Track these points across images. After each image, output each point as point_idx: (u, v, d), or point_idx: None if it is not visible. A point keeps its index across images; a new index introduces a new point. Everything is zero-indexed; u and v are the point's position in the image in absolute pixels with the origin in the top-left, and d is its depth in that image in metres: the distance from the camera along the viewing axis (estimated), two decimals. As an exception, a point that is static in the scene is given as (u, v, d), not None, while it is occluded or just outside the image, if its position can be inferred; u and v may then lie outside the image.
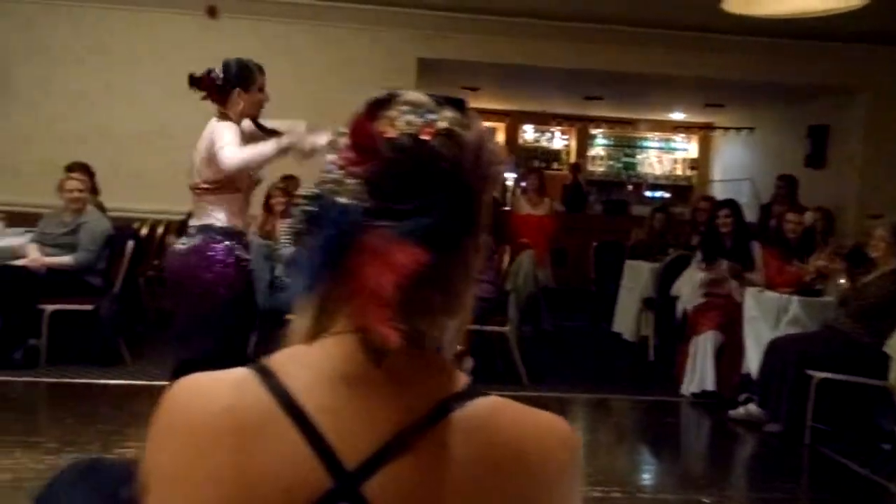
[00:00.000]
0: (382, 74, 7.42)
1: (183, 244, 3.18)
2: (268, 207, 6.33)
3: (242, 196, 3.21)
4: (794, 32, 7.15)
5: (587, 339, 7.53)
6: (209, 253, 3.08)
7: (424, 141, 0.78)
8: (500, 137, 11.30)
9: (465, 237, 0.81)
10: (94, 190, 5.83)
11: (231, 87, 3.12)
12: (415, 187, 0.77)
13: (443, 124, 0.79)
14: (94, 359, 5.24)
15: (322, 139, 3.11)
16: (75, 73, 7.13)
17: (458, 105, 0.82)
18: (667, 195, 11.57)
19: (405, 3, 7.30)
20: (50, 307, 5.14)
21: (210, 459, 0.74)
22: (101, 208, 5.82)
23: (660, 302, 6.41)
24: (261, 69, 3.23)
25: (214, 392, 0.77)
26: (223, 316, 3.07)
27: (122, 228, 5.72)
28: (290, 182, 6.39)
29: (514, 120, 11.60)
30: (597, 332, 7.55)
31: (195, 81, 3.14)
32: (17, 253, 5.42)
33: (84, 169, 5.72)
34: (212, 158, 3.08)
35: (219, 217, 3.13)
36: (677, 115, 11.38)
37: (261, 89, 3.21)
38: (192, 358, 3.10)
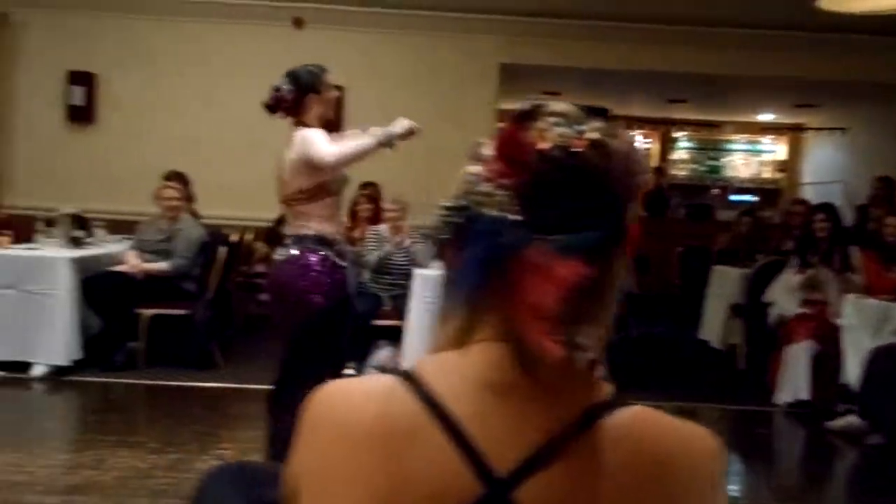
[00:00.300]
0: (464, 81, 7.47)
1: (280, 255, 3.24)
2: (353, 214, 6.43)
3: (333, 201, 3.21)
4: (891, 29, 6.87)
5: (673, 346, 7.38)
6: (304, 262, 3.11)
7: (577, 153, 0.78)
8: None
9: (615, 247, 0.81)
10: (189, 198, 6.03)
11: (304, 94, 3.15)
12: (567, 200, 0.77)
13: (593, 135, 0.80)
14: (189, 362, 5.41)
15: (410, 123, 3.14)
16: (172, 84, 7.40)
17: (603, 114, 0.84)
18: (754, 199, 11.24)
19: (487, 10, 7.33)
20: (148, 312, 5.35)
21: (361, 464, 0.75)
22: (196, 216, 6.01)
23: (750, 308, 6.23)
24: (326, 69, 3.23)
25: (364, 398, 0.79)
26: (320, 323, 3.12)
27: (215, 235, 5.89)
28: (373, 189, 6.48)
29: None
30: (683, 340, 7.38)
31: (272, 108, 3.17)
32: (117, 259, 5.67)
33: (180, 178, 5.93)
34: (302, 167, 3.09)
35: (312, 225, 3.14)
36: (765, 117, 11.06)
37: (333, 90, 3.24)
38: (293, 365, 3.18)
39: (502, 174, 0.79)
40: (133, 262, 5.41)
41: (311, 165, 3.09)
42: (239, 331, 6.51)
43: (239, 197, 7.29)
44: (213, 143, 7.39)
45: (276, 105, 3.17)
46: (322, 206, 3.14)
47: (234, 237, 6.39)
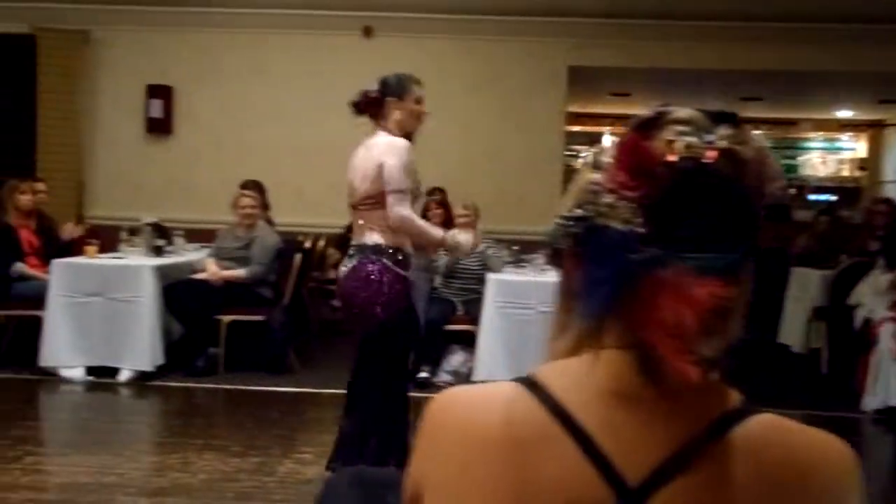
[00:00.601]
0: (533, 85, 7.44)
1: (343, 266, 3.27)
2: (425, 220, 6.46)
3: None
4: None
5: (751, 350, 7.18)
6: (362, 274, 3.12)
7: (707, 164, 0.75)
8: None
9: (750, 263, 0.78)
10: (265, 206, 6.15)
11: (385, 97, 3.19)
12: (700, 215, 0.75)
13: (723, 143, 0.76)
14: (266, 367, 5.52)
15: (466, 239, 3.20)
16: (246, 95, 7.55)
17: (732, 120, 0.79)
18: (832, 198, 10.90)
19: (555, 13, 7.28)
20: (227, 318, 5.47)
21: (488, 471, 0.75)
22: (271, 223, 6.13)
23: (833, 311, 6.03)
24: (418, 82, 3.27)
25: (487, 405, 0.79)
26: (383, 334, 3.13)
27: (289, 242, 6.00)
28: (442, 194, 6.50)
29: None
30: (761, 344, 7.19)
31: (356, 107, 3.23)
32: (196, 267, 5.82)
33: (256, 186, 6.05)
34: (376, 173, 3.10)
35: (373, 236, 3.15)
36: (844, 113, 10.71)
37: (418, 102, 3.24)
38: (359, 375, 3.22)
39: (626, 186, 0.76)
40: (212, 270, 5.55)
41: (373, 172, 3.11)
42: (313, 336, 6.61)
43: (311, 204, 7.41)
44: (286, 152, 7.53)
45: (359, 104, 3.23)
46: (385, 215, 3.12)
47: (307, 244, 6.49)
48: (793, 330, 6.65)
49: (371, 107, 3.23)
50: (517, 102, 7.46)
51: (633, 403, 0.76)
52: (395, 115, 3.19)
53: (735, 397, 0.79)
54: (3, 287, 5.44)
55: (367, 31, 7.48)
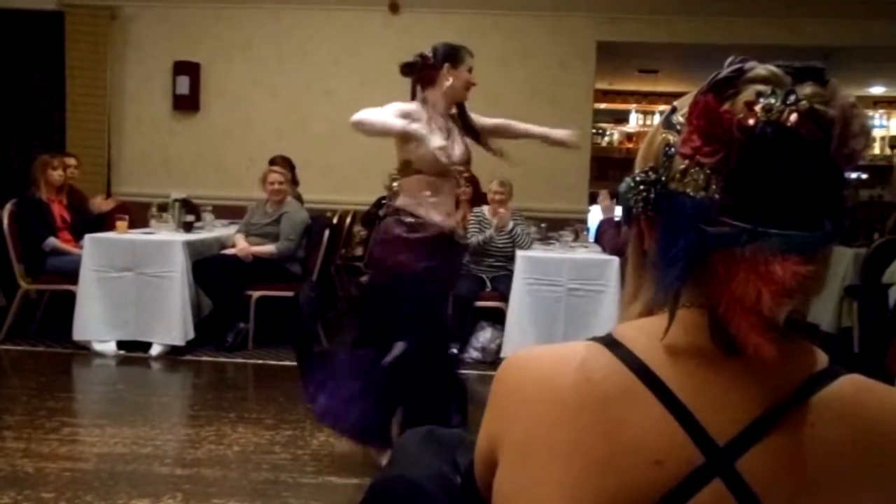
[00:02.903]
0: (562, 60, 7.37)
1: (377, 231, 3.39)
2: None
3: (422, 179, 3.22)
4: None
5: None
6: (384, 231, 3.27)
7: (789, 128, 0.70)
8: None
9: (836, 238, 0.74)
10: (294, 182, 6.15)
11: (439, 63, 3.22)
12: (779, 183, 0.71)
13: (805, 105, 0.71)
14: (294, 342, 5.53)
15: (439, 142, 3.17)
16: (272, 71, 7.56)
17: (818, 76, 0.74)
18: (864, 176, 10.74)
19: (584, -13, 7.19)
20: (256, 293, 5.50)
21: (572, 429, 0.74)
22: (300, 199, 6.14)
23: (866, 290, 5.95)
24: (470, 53, 3.32)
25: (564, 364, 0.77)
26: (408, 304, 3.20)
27: (317, 219, 6.00)
28: (471, 172, 6.47)
29: (693, 102, 11.17)
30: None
31: (408, 67, 3.25)
32: (225, 243, 5.84)
33: (286, 162, 6.06)
34: (396, 140, 3.23)
35: (398, 201, 3.26)
36: (877, 90, 10.53)
37: (469, 71, 3.28)
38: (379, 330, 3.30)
39: (701, 151, 0.72)
40: (241, 245, 5.57)
41: (399, 139, 3.20)
42: (341, 313, 6.64)
43: (339, 181, 7.43)
44: (312, 128, 7.53)
45: (410, 67, 3.28)
46: (410, 182, 3.24)
47: (334, 220, 6.50)
48: (824, 309, 6.57)
49: (425, 71, 3.26)
50: (545, 78, 7.39)
51: (714, 363, 0.75)
52: (447, 81, 3.23)
53: (822, 358, 0.78)
54: (37, 261, 5.50)
55: (394, 7, 7.44)
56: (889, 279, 5.52)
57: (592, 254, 5.48)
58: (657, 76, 9.47)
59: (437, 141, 3.14)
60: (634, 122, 11.07)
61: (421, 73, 3.26)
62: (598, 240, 6.16)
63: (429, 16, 7.39)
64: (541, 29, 7.35)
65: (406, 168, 3.24)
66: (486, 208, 5.91)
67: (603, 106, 10.28)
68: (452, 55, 3.26)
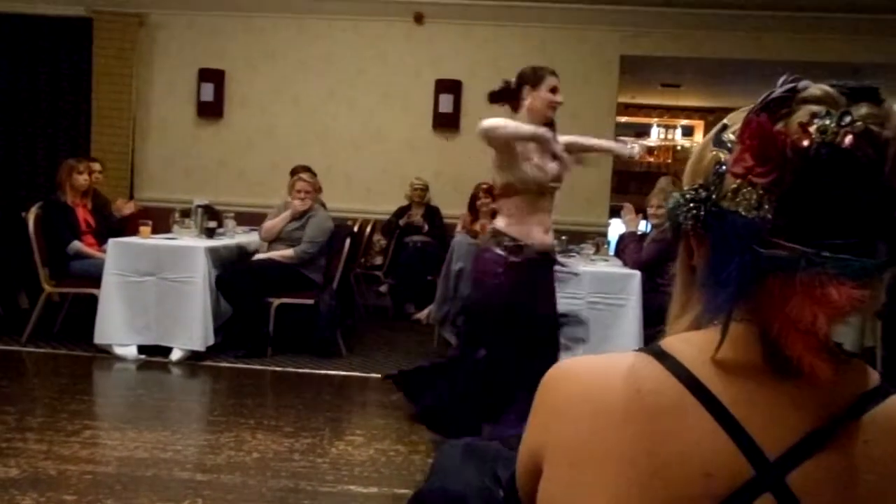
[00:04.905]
0: (586, 74, 7.37)
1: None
2: (473, 208, 6.45)
3: (523, 200, 3.30)
4: None
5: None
6: (483, 252, 3.36)
7: (844, 150, 0.70)
8: (700, 136, 10.88)
9: (893, 254, 0.73)
10: (318, 189, 6.18)
11: (520, 85, 3.33)
12: (833, 206, 0.70)
13: (860, 126, 0.70)
14: (314, 349, 5.55)
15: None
16: (296, 80, 7.61)
17: (873, 96, 0.73)
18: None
19: (609, 1, 7.19)
20: (276, 301, 5.51)
21: (620, 439, 0.74)
22: (324, 207, 6.16)
23: (889, 309, 5.88)
24: (553, 72, 3.39)
25: (611, 374, 0.77)
26: (476, 312, 3.28)
27: (339, 227, 6.02)
28: (490, 184, 6.48)
29: (718, 118, 11.15)
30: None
31: (495, 95, 3.37)
32: (247, 249, 5.88)
33: (308, 171, 6.08)
34: (494, 160, 3.31)
35: (498, 223, 3.34)
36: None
37: (553, 91, 3.33)
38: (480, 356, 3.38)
39: (754, 172, 0.72)
40: (263, 253, 5.62)
41: (497, 161, 3.29)
42: (359, 321, 6.64)
43: (360, 190, 7.46)
44: (334, 137, 7.56)
45: (497, 94, 3.38)
46: (509, 204, 3.33)
47: (354, 229, 6.52)
48: (846, 328, 6.47)
49: (507, 95, 3.37)
50: (568, 91, 7.25)
51: (765, 378, 0.74)
52: (528, 101, 3.32)
53: (874, 376, 0.78)
54: (61, 265, 5.55)
55: (419, 18, 7.47)
56: (914, 298, 5.45)
57: (614, 267, 5.46)
58: (679, 90, 9.46)
59: (553, 147, 3.24)
60: (655, 136, 11.05)
61: (507, 98, 3.36)
62: (618, 253, 6.13)
63: (452, 27, 7.42)
64: (564, 42, 7.36)
65: (507, 190, 3.33)
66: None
67: (624, 119, 10.28)
68: (531, 77, 3.34)
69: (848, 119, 0.71)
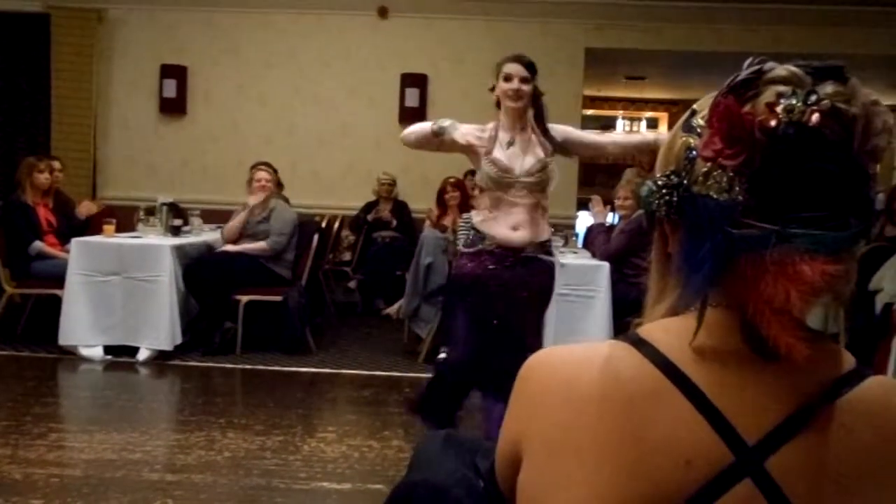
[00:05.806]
0: (551, 67, 7.34)
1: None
2: (442, 203, 6.44)
3: (490, 196, 3.24)
4: None
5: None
6: (462, 252, 3.36)
7: (811, 128, 0.70)
8: (664, 128, 10.98)
9: (863, 236, 0.74)
10: (278, 184, 6.13)
11: (494, 87, 3.24)
12: (803, 183, 0.71)
13: (827, 104, 0.71)
14: (283, 347, 5.51)
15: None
16: (259, 76, 7.53)
17: (838, 74, 0.74)
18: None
19: (572, -6, 7.23)
20: (244, 298, 5.46)
21: (599, 428, 0.73)
22: (286, 202, 6.11)
23: (852, 296, 6.00)
24: (513, 58, 3.21)
25: (588, 363, 0.77)
26: (463, 316, 3.32)
27: (306, 223, 5.97)
28: (457, 178, 6.47)
29: (683, 110, 11.26)
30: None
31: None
32: (213, 247, 5.80)
33: (268, 166, 6.02)
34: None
35: (475, 219, 3.31)
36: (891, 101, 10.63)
37: (507, 79, 3.16)
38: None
39: (723, 154, 0.72)
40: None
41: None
42: (328, 317, 6.61)
43: (326, 186, 7.41)
44: (300, 133, 7.50)
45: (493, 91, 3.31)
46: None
47: (322, 225, 6.47)
48: (811, 315, 6.62)
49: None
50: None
51: (742, 363, 0.75)
52: (496, 97, 3.22)
53: (849, 359, 0.78)
54: (23, 265, 5.43)
55: (383, 12, 7.43)
56: (875, 286, 5.57)
57: (583, 259, 5.49)
58: (644, 83, 9.53)
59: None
60: (621, 128, 11.15)
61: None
62: (586, 245, 6.17)
63: (417, 20, 7.40)
64: (529, 35, 7.36)
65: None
66: (473, 213, 5.89)
67: (590, 112, 10.33)
68: (495, 71, 3.22)
69: (814, 98, 0.71)
